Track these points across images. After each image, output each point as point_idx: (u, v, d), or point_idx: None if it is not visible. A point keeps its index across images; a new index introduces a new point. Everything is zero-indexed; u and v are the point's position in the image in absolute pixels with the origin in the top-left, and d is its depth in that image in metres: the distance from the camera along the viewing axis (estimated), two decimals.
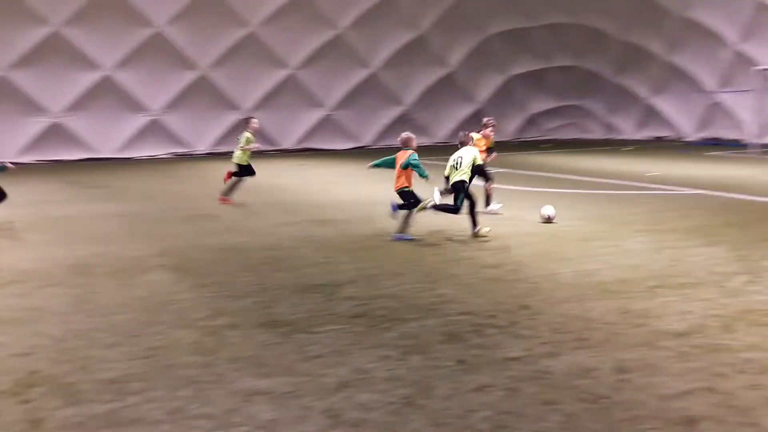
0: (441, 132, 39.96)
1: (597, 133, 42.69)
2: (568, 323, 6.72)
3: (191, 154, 33.48)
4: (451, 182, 11.65)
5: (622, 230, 11.51)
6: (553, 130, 42.87)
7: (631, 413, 4.74)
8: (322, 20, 33.93)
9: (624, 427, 4.56)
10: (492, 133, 14.22)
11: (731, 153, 28.12)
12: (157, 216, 14.46)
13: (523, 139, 40.44)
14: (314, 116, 35.94)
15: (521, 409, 4.84)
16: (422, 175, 11.27)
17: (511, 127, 41.35)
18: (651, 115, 38.60)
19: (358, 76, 36.36)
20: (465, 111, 39.90)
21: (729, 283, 8.06)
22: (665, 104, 37.32)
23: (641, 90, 38.52)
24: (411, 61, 36.69)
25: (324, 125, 36.65)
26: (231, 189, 16.09)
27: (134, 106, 32.31)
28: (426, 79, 38.14)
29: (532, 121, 42.05)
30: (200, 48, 32.39)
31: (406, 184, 11.57)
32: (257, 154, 18.24)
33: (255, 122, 16.88)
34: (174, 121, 33.28)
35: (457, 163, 11.56)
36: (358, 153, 34.17)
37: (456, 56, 38.37)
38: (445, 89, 38.63)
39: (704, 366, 5.54)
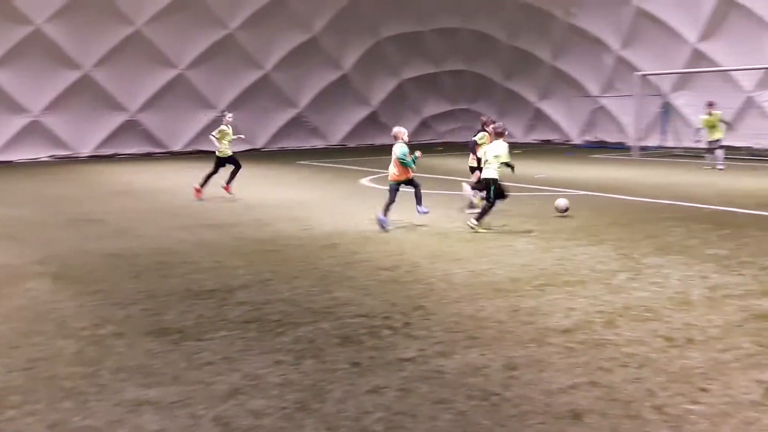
0: (337, 135, 39.99)
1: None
2: (460, 323, 6.81)
3: (74, 157, 32.19)
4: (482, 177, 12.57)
5: (511, 231, 11.79)
6: (447, 133, 43.60)
7: (520, 409, 4.84)
8: (211, 19, 33.21)
9: (513, 423, 4.65)
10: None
11: (615, 155, 29.35)
12: (37, 221, 13.82)
13: (417, 142, 40.92)
14: (205, 117, 35.12)
15: (414, 409, 4.87)
16: (410, 166, 12.26)
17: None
18: (539, 118, 39.83)
19: (251, 77, 35.84)
20: (360, 114, 40.07)
21: (612, 280, 8.38)
22: (552, 108, 38.57)
23: (529, 94, 39.70)
24: (304, 62, 36.46)
25: (215, 127, 35.89)
26: (231, 178, 17.15)
27: (14, 107, 30.77)
28: (320, 81, 38.00)
29: (426, 124, 42.61)
30: (82, 47, 31.15)
31: (406, 176, 12.36)
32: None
33: (229, 116, 18.36)
34: (55, 123, 31.89)
35: (486, 158, 12.39)
36: (251, 155, 33.77)
37: (349, 59, 38.42)
38: (339, 92, 38.61)
39: (588, 361, 5.72)
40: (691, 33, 30.23)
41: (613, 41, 33.55)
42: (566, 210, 13.25)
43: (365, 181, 20.70)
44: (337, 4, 35.58)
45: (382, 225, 12.06)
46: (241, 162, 17.39)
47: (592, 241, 10.75)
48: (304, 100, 37.99)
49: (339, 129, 40.01)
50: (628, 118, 32.10)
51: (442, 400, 5.01)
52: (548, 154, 30.10)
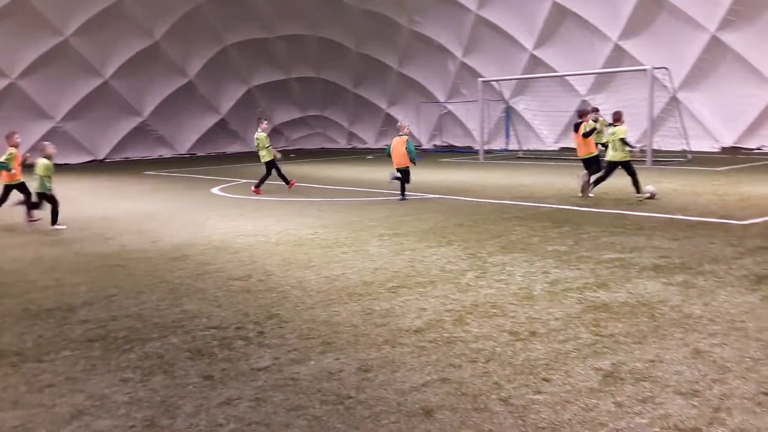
0: (185, 143, 39.02)
1: (342, 143, 44.05)
2: (315, 329, 6.80)
3: None
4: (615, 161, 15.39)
5: (364, 235, 11.92)
6: (300, 140, 43.56)
7: (374, 410, 4.88)
8: (43, 26, 31.39)
9: (367, 424, 4.69)
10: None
11: (463, 159, 30.35)
12: None
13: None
14: (41, 128, 33.13)
15: (268, 418, 4.80)
16: (413, 160, 16.65)
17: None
18: (390, 124, 40.57)
19: (89, 85, 34.22)
20: (208, 121, 39.33)
21: (461, 279, 8.63)
22: (401, 114, 39.40)
23: (380, 101, 40.35)
24: (146, 69, 35.27)
25: (51, 138, 34.03)
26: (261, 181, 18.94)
27: None
28: (164, 88, 36.94)
29: (277, 132, 42.38)
30: None
31: (406, 164, 16.61)
32: None
33: (265, 123, 19.60)
34: None
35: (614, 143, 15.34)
36: (93, 167, 32.35)
37: (194, 66, 37.58)
38: (185, 99, 37.70)
39: (439, 358, 5.86)
40: (527, 40, 31.75)
41: (455, 48, 34.71)
42: (653, 195, 15.03)
43: (216, 190, 20.30)
44: (179, 10, 34.65)
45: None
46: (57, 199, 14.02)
47: (441, 243, 11.04)
48: (148, 108, 36.82)
49: (187, 137, 39.07)
50: (474, 122, 33.32)
51: (296, 407, 4.97)
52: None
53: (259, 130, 19.22)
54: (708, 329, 6.39)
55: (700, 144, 27.49)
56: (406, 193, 16.67)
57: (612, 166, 15.62)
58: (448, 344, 6.22)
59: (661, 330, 6.42)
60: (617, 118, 15.68)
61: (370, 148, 40.28)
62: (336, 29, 37.63)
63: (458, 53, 34.72)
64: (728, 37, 26.15)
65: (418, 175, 22.94)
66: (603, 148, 18.23)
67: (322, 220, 13.66)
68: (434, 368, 5.65)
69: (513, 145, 32.82)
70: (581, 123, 16.98)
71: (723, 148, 27.69)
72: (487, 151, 31.37)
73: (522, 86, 33.41)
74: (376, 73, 38.83)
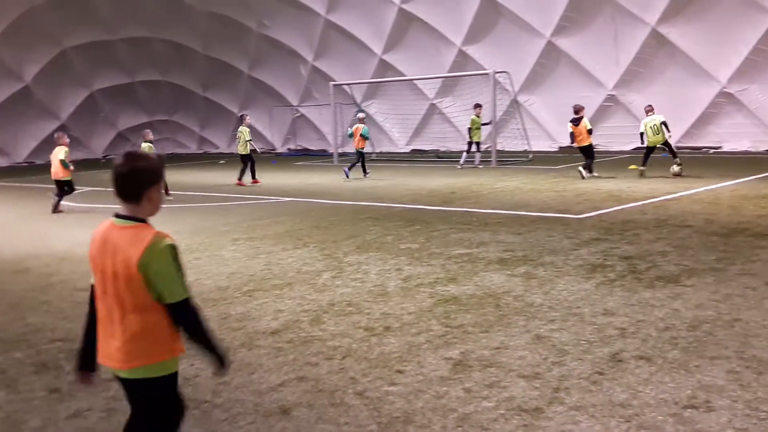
0: (22, 152, 36.95)
1: (192, 147, 43.11)
2: None
3: None
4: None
5: (219, 240, 11.79)
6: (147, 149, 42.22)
7: (231, 412, 4.89)
8: None
9: (223, 426, 4.69)
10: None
11: (318, 162, 30.48)
12: None
13: (113, 156, 39.04)
14: None
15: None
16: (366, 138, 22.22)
17: (99, 144, 39.79)
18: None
19: None
20: (47, 128, 37.36)
21: (318, 280, 8.73)
22: (254, 118, 38.96)
23: (231, 105, 39.82)
24: None
25: None
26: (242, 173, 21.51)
27: None
28: None
29: (123, 137, 40.89)
30: None
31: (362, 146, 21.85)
32: None
33: (248, 118, 22.81)
34: None
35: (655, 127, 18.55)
36: None
37: (31, 70, 35.63)
38: (21, 105, 35.67)
39: (296, 358, 5.93)
40: (377, 45, 32.36)
41: (306, 52, 34.83)
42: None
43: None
44: (12, 12, 32.72)
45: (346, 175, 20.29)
46: None
47: (298, 245, 11.09)
48: None
49: (24, 145, 37.01)
50: (328, 126, 33.57)
51: None
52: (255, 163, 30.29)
53: (243, 125, 22.14)
54: (548, 316, 6.81)
55: (540, 144, 29.01)
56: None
57: (650, 149, 19.04)
58: (305, 344, 6.30)
59: (505, 319, 6.78)
60: (650, 109, 19.16)
61: (222, 153, 39.65)
62: (182, 32, 36.77)
63: (309, 57, 34.87)
64: (563, 42, 27.76)
65: (273, 178, 22.93)
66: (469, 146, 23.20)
67: (174, 226, 13.34)
68: (291, 368, 5.71)
69: (366, 148, 33.30)
70: (581, 118, 19.94)
71: (561, 147, 29.31)
72: (342, 154, 31.69)
73: (373, 90, 34.00)
74: (226, 77, 38.31)
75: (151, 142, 20.38)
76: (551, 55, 28.31)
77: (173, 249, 3.27)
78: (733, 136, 25.81)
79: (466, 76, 28.91)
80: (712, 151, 26.14)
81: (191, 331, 3.34)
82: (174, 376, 3.40)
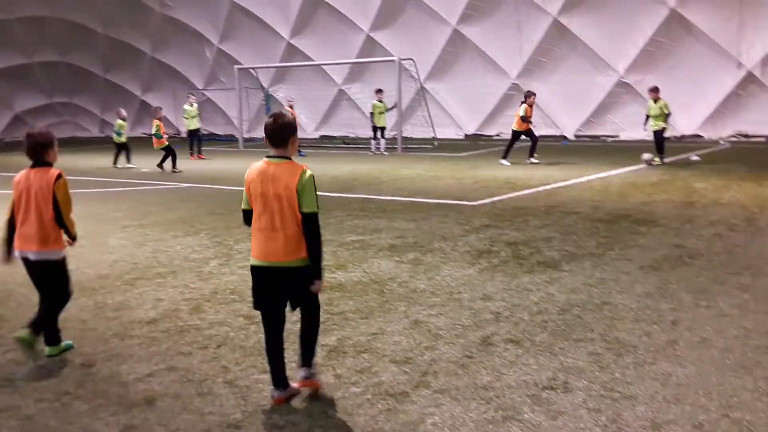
0: None
1: (94, 131, 41.79)
2: None
3: None
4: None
5: (107, 228, 11.47)
6: (47, 128, 40.59)
7: (92, 404, 4.77)
8: None
9: (83, 418, 4.56)
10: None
11: (225, 147, 29.98)
12: None
13: (11, 140, 37.47)
14: None
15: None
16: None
17: None
18: (147, 111, 39.07)
19: None
20: None
21: (204, 268, 8.60)
22: (158, 101, 38.07)
23: (133, 87, 38.74)
24: None
25: None
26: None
27: None
28: None
29: (20, 119, 39.21)
30: None
31: None
32: None
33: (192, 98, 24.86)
34: None
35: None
36: None
37: None
38: None
39: (169, 348, 5.83)
40: (284, 29, 32.03)
41: (212, 35, 34.18)
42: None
43: None
44: None
45: None
46: None
47: (189, 232, 10.90)
48: None
49: None
50: (235, 110, 33.04)
51: (7, 408, 4.73)
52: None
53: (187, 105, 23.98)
54: (429, 301, 6.91)
55: (447, 132, 29.37)
56: None
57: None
58: (180, 333, 6.20)
59: (387, 305, 6.85)
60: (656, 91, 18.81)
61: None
62: (81, 11, 35.44)
63: (215, 39, 34.24)
64: (468, 31, 28.12)
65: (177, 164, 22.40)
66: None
67: None
68: (162, 358, 5.62)
69: None
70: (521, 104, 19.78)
71: (466, 135, 29.77)
72: (249, 140, 31.32)
73: (281, 75, 33.67)
74: (128, 58, 37.23)
75: (124, 119, 22.47)
76: (457, 43, 28.64)
77: (313, 177, 4.67)
78: (630, 125, 26.69)
79: (374, 63, 28.94)
80: (610, 139, 27.01)
81: (312, 236, 4.68)
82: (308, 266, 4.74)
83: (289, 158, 4.74)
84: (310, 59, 31.53)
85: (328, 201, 13.75)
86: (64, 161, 24.31)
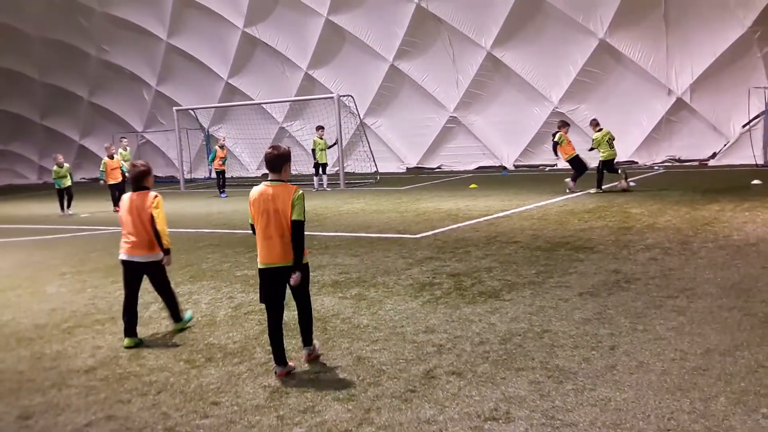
0: None
1: (32, 178, 40.94)
2: None
3: None
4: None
5: (44, 275, 11.21)
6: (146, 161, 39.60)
7: None
8: None
9: None
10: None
11: (166, 189, 29.60)
12: None
13: None
14: None
15: None
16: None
17: None
18: (85, 156, 38.48)
19: None
20: None
21: (144, 313, 8.40)
22: (97, 145, 37.55)
23: (71, 132, 38.15)
24: None
25: None
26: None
27: None
28: None
29: None
30: None
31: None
32: None
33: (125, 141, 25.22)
34: None
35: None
36: None
37: None
38: None
39: (108, 396, 5.71)
40: (222, 69, 31.99)
41: (149, 77, 33.96)
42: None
43: None
44: None
45: None
46: None
47: None
48: None
49: None
50: (175, 152, 32.74)
51: None
52: (94, 192, 29.06)
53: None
54: (372, 336, 6.92)
55: (389, 166, 29.56)
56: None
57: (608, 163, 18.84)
58: (120, 380, 6.08)
59: (330, 342, 6.83)
60: (597, 123, 19.14)
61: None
62: (15, 58, 34.90)
63: (152, 82, 33.99)
64: (405, 66, 28.47)
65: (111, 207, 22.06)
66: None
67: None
68: (101, 407, 5.50)
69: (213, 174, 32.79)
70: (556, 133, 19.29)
71: (408, 168, 30.00)
72: (190, 180, 31.03)
73: (221, 114, 33.53)
74: (66, 104, 36.66)
75: (60, 165, 21.99)
76: (395, 78, 28.96)
77: (303, 195, 6.01)
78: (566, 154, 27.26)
79: (314, 100, 29.05)
80: (547, 168, 27.52)
81: (296, 238, 5.94)
82: (307, 264, 6.18)
83: (284, 181, 6.04)
84: (250, 98, 31.49)
85: None
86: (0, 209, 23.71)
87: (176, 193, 27.40)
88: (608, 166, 18.90)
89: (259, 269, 6.11)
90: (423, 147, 29.70)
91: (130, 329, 7.18)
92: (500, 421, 4.79)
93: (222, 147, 24.55)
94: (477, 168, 28.50)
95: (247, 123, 31.79)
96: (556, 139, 19.28)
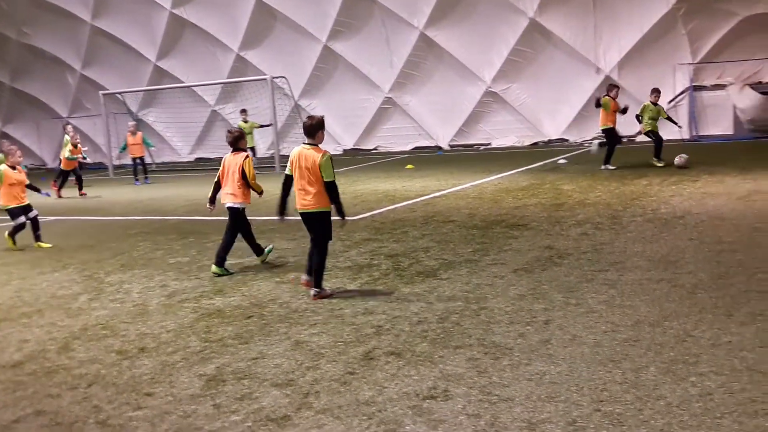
0: None
1: None
2: None
3: None
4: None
5: None
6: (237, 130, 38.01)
7: None
8: None
9: None
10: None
11: (95, 176, 28.82)
12: None
13: None
14: None
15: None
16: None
17: None
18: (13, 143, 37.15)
19: None
20: None
21: (73, 304, 8.22)
22: (20, 132, 36.35)
23: None
24: None
25: None
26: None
27: None
28: None
29: None
30: None
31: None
32: None
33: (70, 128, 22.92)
34: None
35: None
36: None
37: None
38: None
39: (37, 390, 5.53)
40: (150, 51, 31.22)
41: (74, 60, 32.95)
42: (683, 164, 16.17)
43: None
44: None
45: None
46: None
47: (56, 267, 10.41)
48: None
49: None
50: (102, 137, 31.88)
51: None
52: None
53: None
54: (310, 320, 6.86)
55: (326, 147, 29.33)
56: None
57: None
58: (48, 374, 5.89)
59: (268, 327, 6.75)
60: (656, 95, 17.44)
61: None
62: None
63: (77, 66, 32.98)
64: (339, 47, 28.28)
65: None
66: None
67: None
68: (29, 402, 5.31)
69: (147, 158, 32.05)
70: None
71: (345, 150, 29.88)
72: (119, 167, 30.28)
73: (150, 98, 32.78)
74: None
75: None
76: (329, 59, 28.74)
77: (330, 157, 7.60)
78: (500, 133, 27.54)
79: (246, 82, 28.62)
80: (482, 147, 27.77)
81: (333, 196, 7.61)
82: (330, 212, 7.71)
83: (316, 145, 7.63)
84: (180, 81, 30.84)
85: (206, 225, 13.47)
86: None
87: (105, 180, 26.72)
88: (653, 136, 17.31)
89: (299, 212, 7.78)
90: (359, 128, 29.61)
91: (220, 261, 9.12)
92: (438, 399, 4.81)
93: (134, 134, 23.83)
94: (413, 148, 28.57)
95: (178, 107, 31.17)
96: (602, 104, 17.42)
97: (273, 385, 5.29)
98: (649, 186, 13.91)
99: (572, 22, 24.86)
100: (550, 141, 26.67)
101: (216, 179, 9.54)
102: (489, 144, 27.83)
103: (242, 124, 24.08)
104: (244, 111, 24.69)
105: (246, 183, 9.31)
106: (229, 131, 9.62)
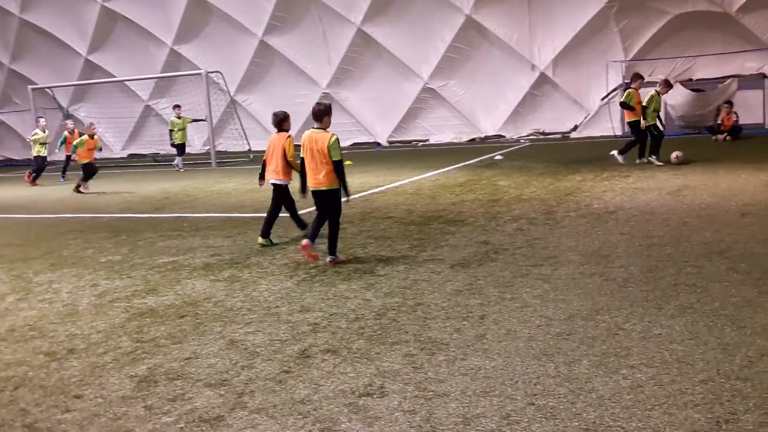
0: None
1: None
2: None
3: None
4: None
5: None
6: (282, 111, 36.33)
7: None
8: None
9: None
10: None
11: (20, 173, 27.98)
12: None
13: None
14: None
15: None
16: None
17: None
18: None
19: None
20: None
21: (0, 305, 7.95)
22: None
23: None
24: None
25: None
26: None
27: None
28: None
29: None
30: None
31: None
32: None
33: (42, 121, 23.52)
34: None
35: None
36: None
37: None
38: None
39: None
40: (80, 45, 30.46)
41: (2, 55, 31.94)
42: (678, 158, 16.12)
43: None
44: None
45: None
46: None
47: None
48: None
49: None
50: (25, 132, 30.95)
51: None
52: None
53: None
54: (245, 319, 6.77)
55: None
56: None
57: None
58: None
59: (202, 326, 6.63)
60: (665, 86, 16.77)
61: None
62: None
63: (5, 60, 31.96)
64: (276, 42, 28.06)
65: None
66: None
67: None
68: None
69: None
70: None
71: None
72: (50, 163, 29.39)
73: (81, 93, 32.00)
74: None
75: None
76: (265, 54, 28.50)
77: (337, 140, 8.40)
78: (438, 129, 27.74)
79: (181, 76, 28.14)
80: (420, 144, 27.91)
81: (338, 172, 8.41)
82: (339, 190, 8.58)
83: (324, 129, 8.43)
84: (112, 75, 30.17)
85: (138, 223, 13.21)
86: None
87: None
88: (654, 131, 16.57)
89: (311, 191, 8.66)
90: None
91: (265, 233, 10.15)
92: (375, 396, 4.79)
93: (71, 132, 23.22)
94: (352, 144, 28.53)
95: (110, 101, 30.50)
96: (623, 99, 16.71)
97: (206, 386, 5.20)
98: (582, 182, 14.18)
99: (507, 19, 25.17)
100: (486, 137, 26.96)
101: (263, 158, 10.41)
102: (427, 140, 27.99)
103: (175, 120, 23.69)
104: (177, 106, 24.32)
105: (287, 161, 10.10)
106: (274, 114, 10.35)
